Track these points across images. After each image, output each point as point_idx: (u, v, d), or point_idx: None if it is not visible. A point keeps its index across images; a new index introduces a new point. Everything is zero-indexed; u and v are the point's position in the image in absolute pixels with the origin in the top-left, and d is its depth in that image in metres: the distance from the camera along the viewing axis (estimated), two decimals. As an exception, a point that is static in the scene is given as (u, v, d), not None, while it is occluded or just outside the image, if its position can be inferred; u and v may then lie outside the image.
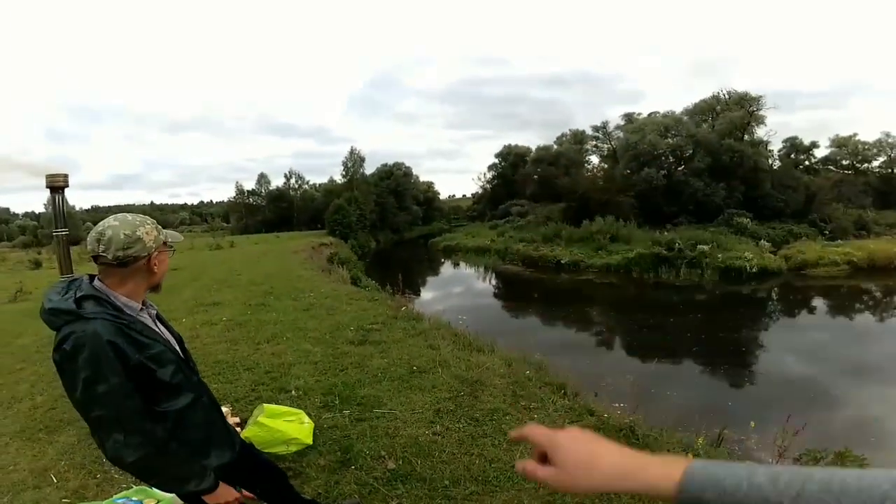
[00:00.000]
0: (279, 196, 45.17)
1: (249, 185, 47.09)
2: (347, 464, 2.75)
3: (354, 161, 39.73)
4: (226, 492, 1.42)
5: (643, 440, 2.99)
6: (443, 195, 57.72)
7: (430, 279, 21.17)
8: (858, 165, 31.20)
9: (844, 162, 31.58)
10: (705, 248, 16.28)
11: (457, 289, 17.90)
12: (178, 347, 1.50)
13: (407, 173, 45.17)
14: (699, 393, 6.76)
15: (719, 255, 16.07)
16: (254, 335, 5.84)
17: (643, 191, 24.29)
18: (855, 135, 31.27)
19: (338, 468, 2.71)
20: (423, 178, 50.36)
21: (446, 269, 23.90)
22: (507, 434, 3.05)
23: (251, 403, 3.56)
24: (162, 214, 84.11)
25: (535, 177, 34.35)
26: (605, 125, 32.94)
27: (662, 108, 31.74)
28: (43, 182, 3.32)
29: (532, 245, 21.93)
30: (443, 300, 14.92)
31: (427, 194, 49.47)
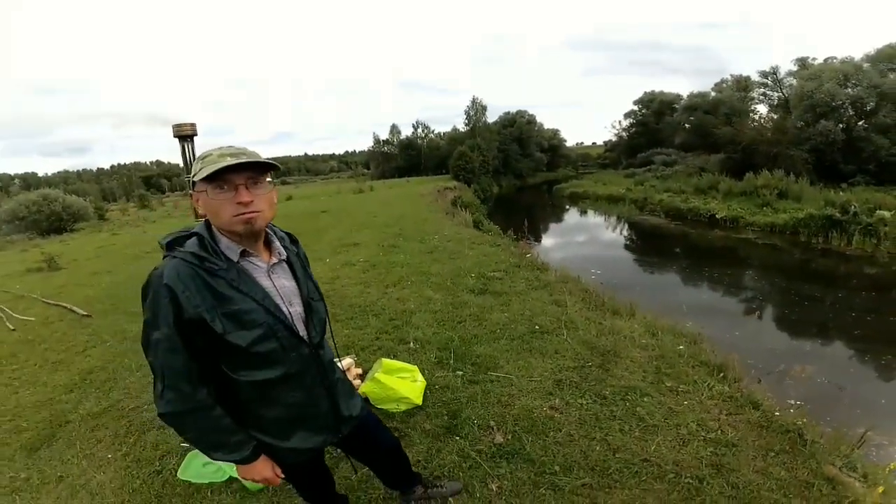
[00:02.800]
0: (409, 144, 48.78)
1: (384, 135, 51.24)
2: (453, 431, 2.57)
3: (476, 110, 41.47)
4: (262, 468, 1.29)
5: (810, 448, 2.37)
6: (570, 143, 57.90)
7: (553, 226, 20.24)
8: None
9: None
10: (886, 214, 12.91)
11: (581, 237, 16.78)
12: (290, 310, 1.22)
13: (531, 121, 45.73)
14: (849, 383, 5.54)
15: (901, 224, 12.55)
16: (384, 277, 6.07)
17: (817, 145, 20.40)
18: None
19: (442, 434, 2.55)
20: (548, 126, 50.27)
21: (571, 216, 22.53)
22: (643, 419, 2.59)
23: (373, 354, 3.61)
24: (314, 164, 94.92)
25: (686, 125, 31.91)
26: (775, 71, 27.87)
27: (837, 54, 26.16)
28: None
29: (680, 196, 19.67)
30: (564, 248, 14.15)
31: (552, 141, 49.21)
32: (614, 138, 43.57)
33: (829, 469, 2.23)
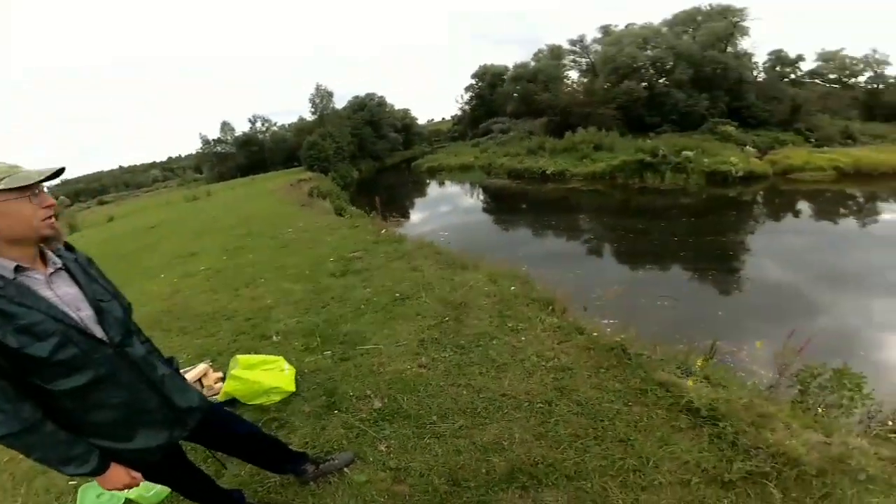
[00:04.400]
0: (247, 141, 44.64)
1: (213, 134, 45.92)
2: (332, 407, 2.61)
3: (322, 97, 40.01)
4: (117, 475, 1.31)
5: (635, 360, 2.68)
6: (421, 120, 58.67)
7: (417, 200, 20.82)
8: (846, 80, 30.36)
9: (832, 76, 30.81)
10: (690, 153, 16.25)
11: (444, 207, 17.63)
12: (80, 314, 1.21)
13: (381, 103, 45.33)
14: (688, 301, 6.41)
15: (704, 160, 15.93)
16: (232, 281, 5.68)
17: (625, 103, 24.20)
18: (842, 49, 30.38)
19: (323, 413, 2.58)
20: (399, 106, 50.36)
21: (432, 189, 23.41)
22: (495, 360, 2.89)
23: (231, 356, 3.36)
24: (133, 176, 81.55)
25: (515, 94, 34.52)
26: (582, 39, 32.22)
27: (641, 20, 30.70)
28: None
29: (516, 158, 22.17)
30: (432, 220, 14.74)
31: (405, 121, 49.60)
32: (460, 112, 45.72)
33: (660, 375, 2.48)
